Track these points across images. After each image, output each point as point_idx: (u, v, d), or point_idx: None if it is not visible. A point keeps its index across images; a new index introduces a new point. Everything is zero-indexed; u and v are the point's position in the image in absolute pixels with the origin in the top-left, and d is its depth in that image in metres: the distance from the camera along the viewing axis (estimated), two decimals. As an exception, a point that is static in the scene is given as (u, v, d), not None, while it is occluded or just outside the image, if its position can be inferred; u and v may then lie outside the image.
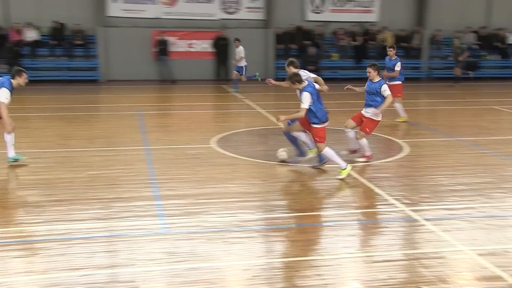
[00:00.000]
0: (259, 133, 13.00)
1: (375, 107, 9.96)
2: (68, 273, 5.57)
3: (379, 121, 10.16)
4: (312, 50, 22.78)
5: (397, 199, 7.97)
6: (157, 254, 6.07)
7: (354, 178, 9.08)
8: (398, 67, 13.93)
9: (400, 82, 14.18)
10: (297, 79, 8.94)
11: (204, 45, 23.44)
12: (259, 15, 24.26)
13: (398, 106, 14.03)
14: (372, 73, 10.07)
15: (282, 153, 9.95)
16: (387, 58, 14.30)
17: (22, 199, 7.87)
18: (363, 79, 20.98)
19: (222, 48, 23.19)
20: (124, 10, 23.11)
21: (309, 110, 8.86)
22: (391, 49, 14.18)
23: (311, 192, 8.52)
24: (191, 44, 23.56)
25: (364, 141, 10.07)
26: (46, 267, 5.74)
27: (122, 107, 16.28)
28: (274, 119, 14.21)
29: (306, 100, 8.77)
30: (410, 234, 6.98)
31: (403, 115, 14.13)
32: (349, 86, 10.84)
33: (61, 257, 5.97)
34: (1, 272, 5.63)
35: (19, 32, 21.66)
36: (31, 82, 17.17)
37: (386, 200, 7.99)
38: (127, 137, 12.18)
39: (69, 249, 6.20)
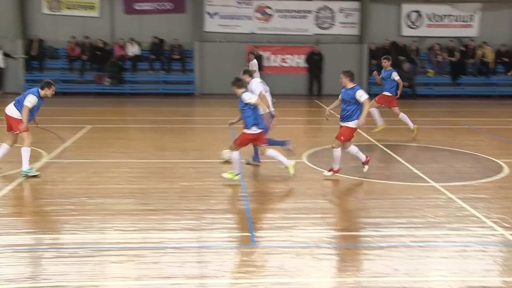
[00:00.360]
0: (351, 149, 12.82)
1: (349, 115, 9.69)
2: (160, 281, 5.73)
3: (355, 128, 9.81)
4: (407, 66, 22.30)
5: (495, 222, 7.58)
6: (246, 267, 6.12)
7: (449, 198, 8.74)
8: (396, 76, 13.89)
9: (391, 94, 14.07)
10: (238, 83, 9.29)
11: (297, 60, 23.56)
12: (353, 31, 24.07)
13: (374, 111, 13.99)
14: (344, 80, 9.76)
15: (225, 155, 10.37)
16: (382, 69, 14.20)
17: (120, 207, 8.20)
18: (461, 96, 20.22)
19: (315, 63, 23.20)
20: (221, 25, 23.70)
21: (248, 114, 9.10)
22: (385, 60, 14.16)
23: (402, 210, 8.28)
24: (284, 59, 23.76)
25: (337, 152, 9.77)
26: (140, 273, 5.93)
27: (216, 120, 16.61)
28: (366, 135, 14.00)
29: (251, 95, 9.19)
30: (510, 260, 6.61)
31: (381, 123, 14.19)
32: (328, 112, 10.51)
33: (154, 265, 6.15)
34: (99, 275, 5.89)
35: (122, 47, 22.77)
36: (131, 95, 17.96)
37: (483, 222, 7.63)
38: (220, 149, 12.38)
39: (162, 257, 6.38)
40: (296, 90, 23.38)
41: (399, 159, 11.48)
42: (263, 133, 9.54)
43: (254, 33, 23.77)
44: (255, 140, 9.48)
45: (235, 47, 23.42)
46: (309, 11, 23.86)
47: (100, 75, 22.60)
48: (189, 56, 23.42)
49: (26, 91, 10.02)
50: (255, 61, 19.78)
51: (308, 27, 23.94)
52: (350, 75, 9.82)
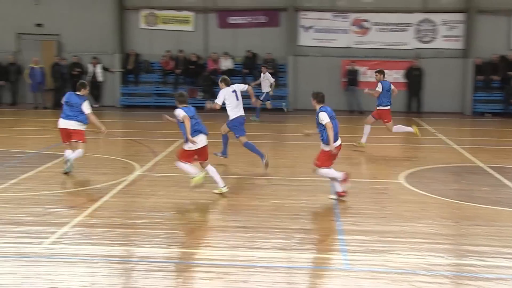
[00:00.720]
0: (453, 171, 12.41)
1: (323, 138, 9.49)
2: (249, 301, 5.77)
3: (329, 151, 9.44)
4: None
5: None
6: (338, 291, 6.05)
7: None
8: (379, 88, 14.21)
9: (388, 107, 14.47)
10: (179, 99, 9.40)
11: (395, 75, 23.09)
12: (457, 44, 23.33)
13: (366, 130, 14.40)
14: (312, 102, 9.67)
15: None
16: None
17: (210, 223, 8.37)
18: None
19: (415, 78, 22.69)
20: (315, 39, 23.77)
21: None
22: (377, 73, 14.62)
23: (510, 238, 7.87)
24: (382, 74, 23.39)
25: (322, 171, 9.52)
26: (228, 291, 6.01)
27: (308, 137, 16.57)
28: (470, 157, 13.49)
29: (180, 113, 9.22)
30: None
31: (364, 141, 14.40)
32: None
33: (243, 284, 6.21)
34: (187, 292, 6.02)
35: (215, 61, 23.36)
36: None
37: None
38: (311, 167, 12.36)
39: (251, 276, 6.42)
40: (394, 107, 22.71)
41: (508, 183, 10.95)
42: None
43: (350, 47, 23.62)
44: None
45: (330, 62, 23.37)
46: (409, 24, 23.41)
47: (193, 89, 23.26)
48: (282, 70, 23.63)
49: (71, 102, 11.11)
50: (267, 74, 20.04)
51: (408, 40, 23.48)
52: (316, 97, 9.66)
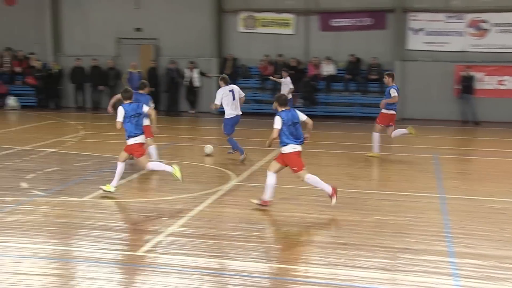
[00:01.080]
0: None
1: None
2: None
3: (288, 153, 9.49)
4: None
5: None
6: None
7: None
8: (394, 93, 14.26)
9: (393, 112, 14.60)
10: (124, 95, 10.72)
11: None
12: None
13: (375, 138, 14.51)
14: (274, 105, 9.95)
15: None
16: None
17: (308, 238, 8.36)
18: None
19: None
20: (426, 43, 23.18)
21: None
22: (385, 76, 14.76)
23: None
24: (501, 81, 22.43)
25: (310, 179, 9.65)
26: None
27: (416, 149, 16.22)
28: None
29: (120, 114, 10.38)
30: None
31: (376, 151, 14.50)
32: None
33: (342, 305, 6.16)
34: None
35: (316, 66, 23.34)
36: (324, 117, 18.27)
37: None
38: (420, 182, 12.09)
39: (351, 297, 6.36)
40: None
41: None
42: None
43: (465, 51, 22.82)
44: None
45: (442, 67, 22.71)
46: (534, 25, 22.35)
47: (293, 96, 23.36)
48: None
49: (136, 107, 10.92)
50: (288, 79, 19.98)
51: (533, 43, 22.38)
52: (277, 100, 9.81)
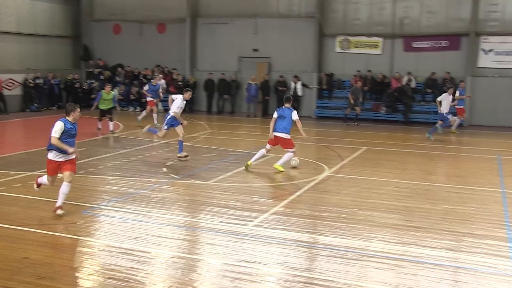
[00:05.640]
0: None
1: None
2: (416, 292, 5.55)
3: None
4: None
5: None
6: (503, 294, 5.55)
7: None
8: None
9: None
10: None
11: None
12: None
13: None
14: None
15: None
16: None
17: (385, 220, 8.18)
18: None
19: None
20: (495, 61, 21.85)
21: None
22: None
23: None
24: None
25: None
26: (398, 282, 5.84)
27: (482, 150, 15.37)
28: None
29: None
30: None
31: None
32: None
33: (412, 277, 6.00)
34: (363, 278, 5.99)
35: (398, 80, 22.66)
36: (404, 123, 17.71)
37: None
38: (484, 178, 11.47)
39: (420, 271, 6.17)
40: None
41: None
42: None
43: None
44: None
45: (509, 82, 21.34)
46: None
47: (377, 104, 22.85)
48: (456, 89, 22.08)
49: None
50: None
51: None
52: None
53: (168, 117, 12.69)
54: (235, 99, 25.36)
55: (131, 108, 25.05)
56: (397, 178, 11.26)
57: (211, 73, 25.27)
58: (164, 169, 11.71)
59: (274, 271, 6.13)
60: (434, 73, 22.37)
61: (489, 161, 13.51)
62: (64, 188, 7.99)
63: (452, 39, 22.40)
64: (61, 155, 7.99)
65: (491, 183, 10.85)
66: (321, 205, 9.15)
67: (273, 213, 8.44)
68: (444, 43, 22.56)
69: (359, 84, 21.95)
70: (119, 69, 26.41)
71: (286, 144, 11.60)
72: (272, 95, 24.45)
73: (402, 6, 23.06)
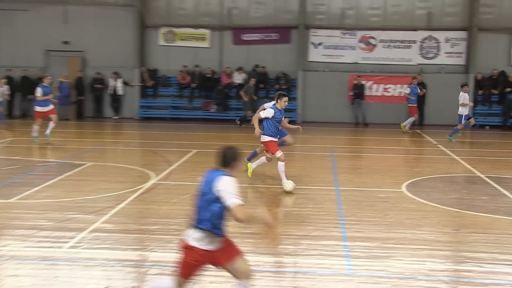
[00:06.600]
0: (453, 180, 12.32)
1: None
2: (255, 303, 5.72)
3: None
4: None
5: None
6: (340, 295, 5.98)
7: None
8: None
9: None
10: None
11: (400, 90, 23.03)
12: (459, 60, 23.21)
13: None
14: None
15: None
16: None
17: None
18: None
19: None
20: (324, 55, 23.75)
21: None
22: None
23: (509, 246, 7.75)
24: (386, 88, 23.33)
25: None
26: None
27: (316, 148, 16.57)
28: (470, 167, 13.37)
29: None
30: None
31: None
32: None
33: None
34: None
35: (229, 75, 23.38)
36: (234, 121, 18.31)
37: None
38: (319, 177, 12.33)
39: (258, 280, 6.37)
40: (398, 119, 22.78)
41: (506, 192, 10.81)
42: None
43: (357, 63, 23.56)
44: None
45: (338, 77, 23.33)
46: (413, 41, 23.33)
47: (207, 102, 23.32)
48: (292, 84, 23.60)
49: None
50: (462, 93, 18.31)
51: (412, 57, 23.38)
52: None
53: None
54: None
55: None
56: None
57: (9, 69, 23.39)
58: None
59: (95, 299, 5.85)
60: (263, 67, 23.44)
61: (323, 159, 14.57)
62: None
63: (282, 32, 23.79)
64: None
65: (325, 181, 11.71)
66: (149, 217, 9.00)
67: (93, 231, 8.08)
68: (274, 36, 23.87)
69: (252, 81, 22.04)
70: None
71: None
72: (87, 95, 23.59)
73: (230, -4, 23.83)
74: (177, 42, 24.26)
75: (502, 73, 22.52)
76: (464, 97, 18.07)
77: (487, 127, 22.11)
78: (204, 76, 23.50)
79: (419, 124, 22.24)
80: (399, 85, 23.06)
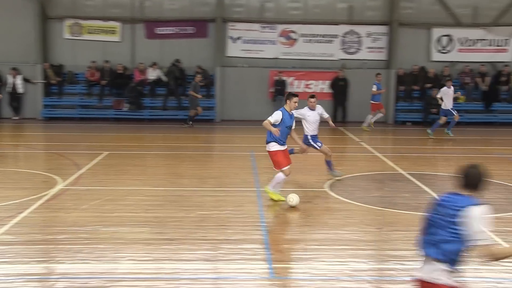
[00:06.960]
0: (375, 178, 12.77)
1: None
2: (172, 314, 5.71)
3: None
4: (435, 92, 22.15)
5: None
6: (262, 300, 6.08)
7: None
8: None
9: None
10: None
11: (321, 86, 23.60)
12: (380, 55, 24.07)
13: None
14: None
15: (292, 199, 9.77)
16: None
17: (134, 236, 8.23)
18: (493, 124, 20.03)
19: (340, 88, 23.19)
20: (243, 50, 23.90)
21: None
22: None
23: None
24: (308, 84, 23.82)
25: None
26: (152, 305, 5.93)
27: (235, 147, 16.68)
28: (392, 164, 13.91)
29: None
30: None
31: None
32: None
33: (167, 297, 6.15)
34: (109, 307, 5.90)
35: (142, 72, 23.05)
36: (150, 120, 18.14)
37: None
38: (239, 178, 12.43)
39: (175, 289, 6.38)
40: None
41: (427, 189, 11.35)
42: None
43: (278, 58, 23.91)
44: None
45: (258, 72, 23.56)
46: (335, 36, 23.96)
47: (119, 101, 22.91)
48: (210, 81, 23.58)
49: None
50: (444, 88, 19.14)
51: (334, 52, 24.01)
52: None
53: None
54: None
55: None
56: (146, 185, 11.44)
57: None
58: None
59: (-6, 318, 5.64)
60: (180, 62, 23.31)
61: (242, 159, 14.69)
62: None
63: (198, 25, 23.75)
64: None
65: (246, 183, 11.82)
66: (55, 226, 8.75)
67: (-9, 244, 7.76)
68: (190, 30, 23.78)
69: (199, 78, 21.53)
70: None
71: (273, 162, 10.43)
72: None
73: (141, -14, 23.53)
74: (85, 36, 23.67)
75: (422, 69, 23.59)
76: (446, 92, 18.98)
77: (408, 123, 23.06)
78: (115, 72, 23.06)
79: (342, 121, 22.88)
80: (320, 81, 23.62)
